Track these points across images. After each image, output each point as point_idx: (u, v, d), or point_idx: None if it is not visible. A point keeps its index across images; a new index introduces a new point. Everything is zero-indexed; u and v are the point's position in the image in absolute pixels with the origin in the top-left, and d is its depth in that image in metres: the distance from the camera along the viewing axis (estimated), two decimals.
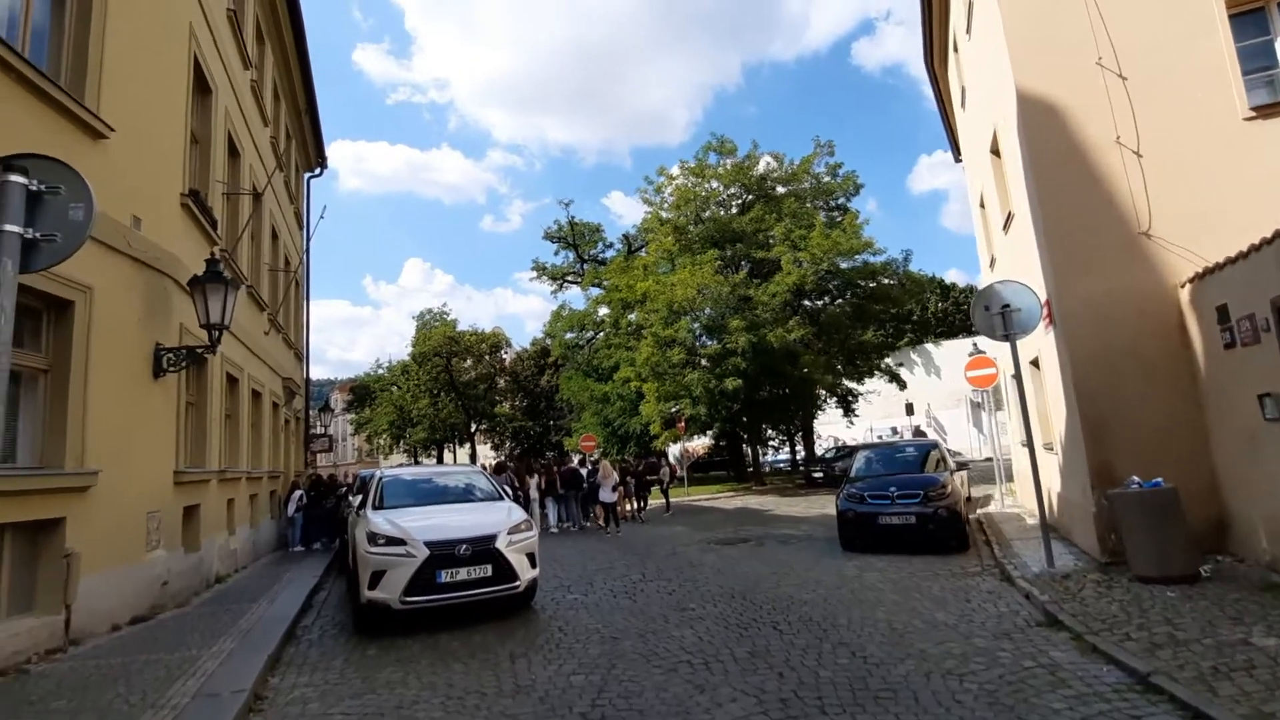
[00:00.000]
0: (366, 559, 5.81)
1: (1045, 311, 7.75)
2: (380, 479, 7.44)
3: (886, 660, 4.49)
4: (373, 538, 5.92)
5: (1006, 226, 10.16)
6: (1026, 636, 4.85)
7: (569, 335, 33.06)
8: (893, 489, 8.94)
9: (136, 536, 6.37)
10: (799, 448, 37.80)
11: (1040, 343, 8.52)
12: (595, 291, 31.53)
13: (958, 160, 19.44)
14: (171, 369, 6.94)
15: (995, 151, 10.44)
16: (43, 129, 5.38)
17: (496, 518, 6.43)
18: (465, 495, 7.49)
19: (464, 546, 5.82)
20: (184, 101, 7.89)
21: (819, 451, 30.31)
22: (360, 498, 7.54)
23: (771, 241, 21.82)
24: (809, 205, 23.12)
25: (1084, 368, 7.26)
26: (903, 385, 26.43)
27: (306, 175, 20.08)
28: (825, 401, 26.73)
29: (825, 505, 16.52)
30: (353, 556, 6.57)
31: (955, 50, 12.96)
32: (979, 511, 11.60)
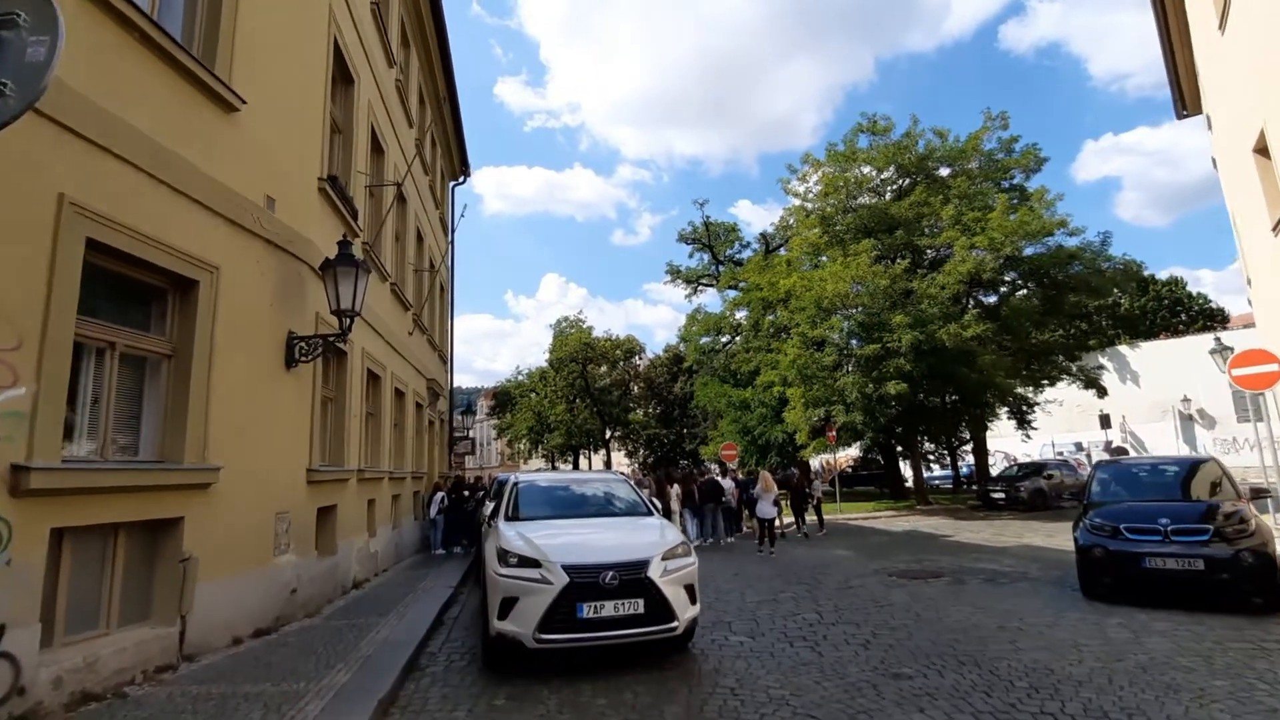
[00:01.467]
0: (496, 582, 4.82)
1: None
2: (515, 484, 6.52)
3: None
4: (503, 556, 4.92)
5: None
6: None
7: (704, 340, 31.79)
8: (1164, 521, 6.66)
9: (263, 540, 5.88)
10: (963, 463, 33.74)
11: None
12: (732, 294, 30.05)
13: (1181, 116, 15.94)
14: (305, 359, 6.47)
15: (1263, 151, 8.00)
16: (170, 95, 4.96)
17: (647, 539, 5.22)
18: (608, 507, 6.37)
19: (610, 574, 4.65)
20: (323, 84, 7.56)
21: (992, 468, 26.56)
22: (493, 505, 6.65)
23: (939, 227, 19.14)
24: (982, 185, 20.08)
25: None
26: (1103, 393, 22.33)
27: (451, 183, 20.50)
28: (997, 411, 23.25)
29: (1022, 534, 13.85)
30: (483, 572, 5.65)
31: None
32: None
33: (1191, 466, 8.22)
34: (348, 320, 6.47)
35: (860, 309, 18.36)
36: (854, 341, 19.14)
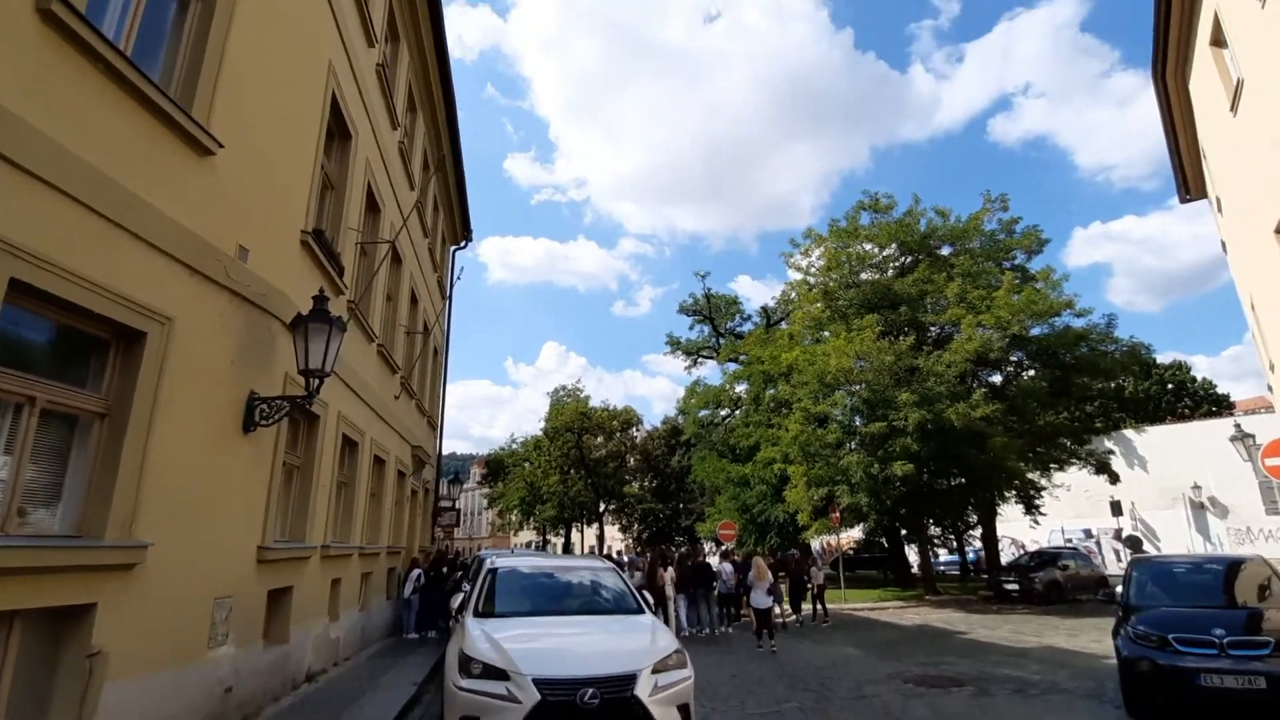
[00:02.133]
0: (454, 696, 4.08)
1: None
2: (489, 571, 5.80)
3: None
4: (466, 664, 4.20)
5: None
6: None
7: (703, 413, 31.19)
8: (1218, 631, 5.91)
9: (196, 630, 5.12)
10: (970, 549, 32.42)
11: None
12: (732, 367, 29.70)
13: (1184, 200, 15.99)
14: (265, 422, 5.88)
15: None
16: (135, 132, 4.60)
17: (637, 643, 4.50)
18: (593, 601, 5.64)
19: (589, 691, 3.92)
20: (315, 137, 7.32)
21: (1003, 556, 25.40)
22: (463, 595, 5.90)
23: (943, 304, 18.92)
24: (985, 265, 20.02)
25: None
26: (1115, 478, 21.53)
27: (452, 248, 20.45)
28: (1005, 495, 22.35)
29: (1042, 632, 12.83)
30: (443, 680, 4.87)
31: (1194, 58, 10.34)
32: None
33: (1236, 565, 7.50)
34: (316, 381, 5.92)
35: (864, 385, 17.87)
36: (858, 419, 18.56)
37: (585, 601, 5.55)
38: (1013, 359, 18.74)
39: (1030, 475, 19.65)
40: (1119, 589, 8.67)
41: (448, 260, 19.92)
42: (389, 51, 11.52)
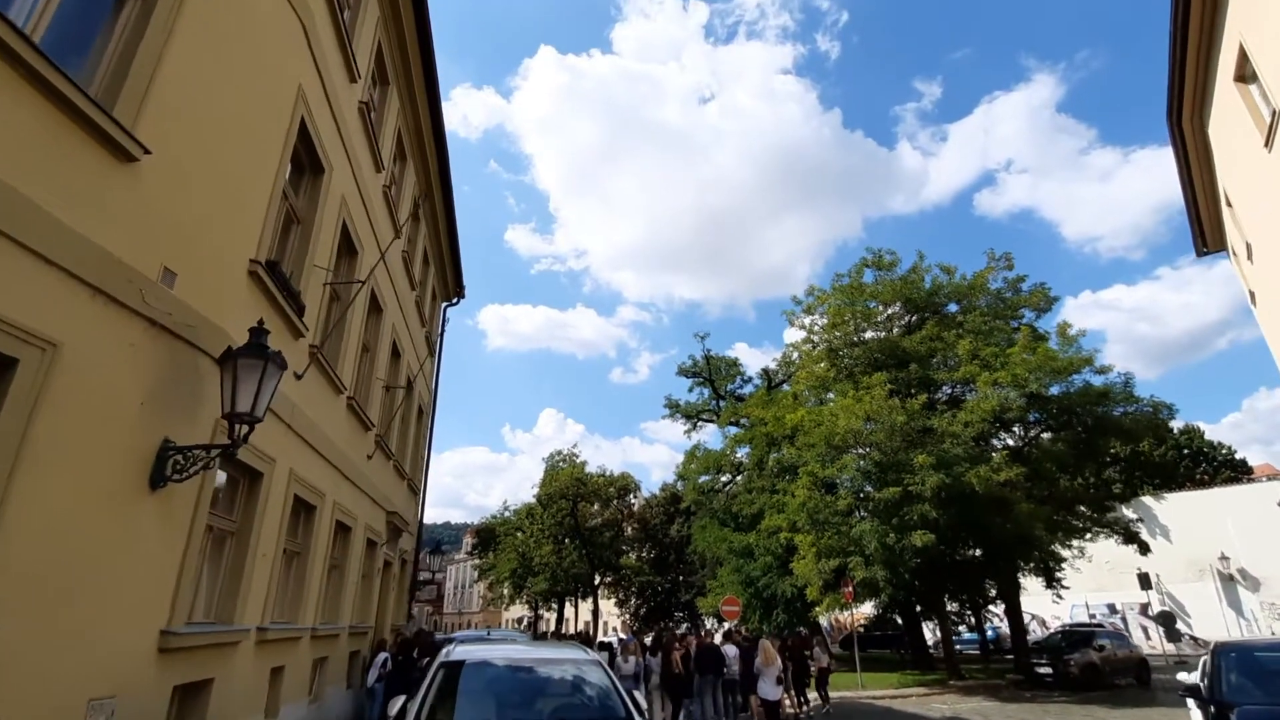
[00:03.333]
0: None
1: None
2: (441, 665, 4.67)
3: None
4: None
5: None
6: None
7: (703, 478, 29.87)
8: None
9: None
10: (992, 626, 30.38)
11: None
12: (733, 431, 28.61)
13: (1201, 254, 15.41)
14: (179, 476, 4.88)
15: None
16: (34, 128, 3.87)
17: None
18: (571, 704, 4.48)
19: None
20: (276, 161, 6.63)
21: (1027, 634, 23.55)
22: (403, 701, 4.73)
23: (954, 362, 18.10)
24: (996, 322, 19.32)
25: None
26: (1145, 549, 20.11)
27: (443, 304, 19.82)
28: (1026, 568, 20.86)
29: None
30: None
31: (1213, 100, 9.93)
32: None
33: None
34: (244, 428, 4.97)
35: (874, 447, 16.79)
36: (869, 485, 17.38)
37: (562, 705, 4.41)
38: (1031, 419, 17.72)
39: (1056, 546, 18.29)
40: (1192, 678, 7.45)
41: (438, 316, 19.24)
42: (376, 94, 11.13)
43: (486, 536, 42.23)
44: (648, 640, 16.66)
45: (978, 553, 17.77)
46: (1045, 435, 17.74)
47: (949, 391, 19.62)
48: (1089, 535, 19.68)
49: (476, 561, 46.33)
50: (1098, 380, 17.32)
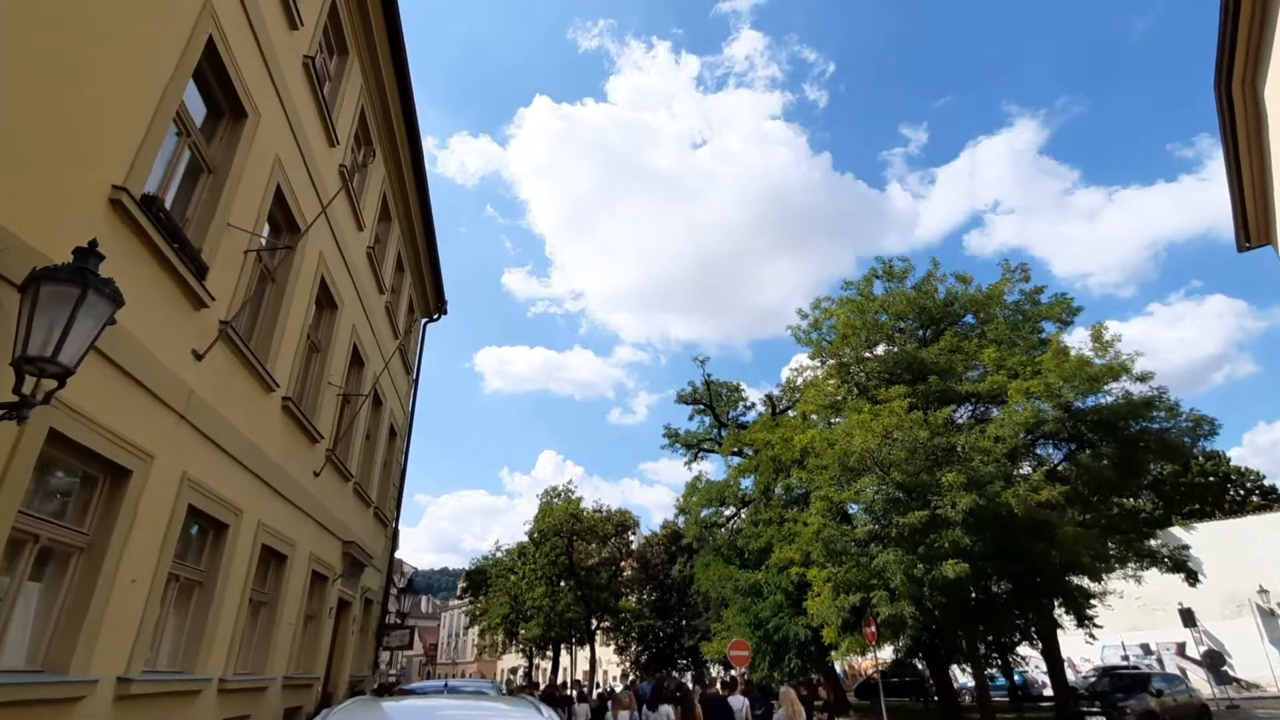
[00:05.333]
0: None
1: None
2: None
3: None
4: None
5: None
6: None
7: (706, 511, 27.96)
8: None
9: None
10: (1027, 669, 28.07)
11: None
12: (737, 461, 26.87)
13: (1243, 248, 14.07)
14: None
15: None
16: None
17: None
18: None
19: None
20: (164, 79, 5.24)
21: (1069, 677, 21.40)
22: None
23: (978, 372, 16.60)
24: (1020, 332, 17.87)
25: None
26: (1193, 579, 18.24)
27: (423, 320, 18.42)
28: (1058, 605, 18.92)
29: None
30: None
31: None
32: None
33: None
34: (54, 383, 3.45)
35: (895, 466, 15.13)
36: (890, 509, 15.65)
37: None
38: (1066, 432, 16.09)
39: (1101, 573, 16.44)
40: None
41: (416, 332, 17.81)
42: (334, 61, 9.93)
43: (478, 579, 39.87)
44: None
45: (1007, 586, 15.91)
46: (1086, 452, 16.08)
47: (971, 409, 18.05)
48: (1134, 565, 17.85)
49: (466, 606, 43.79)
50: (1137, 390, 15.77)
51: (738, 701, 12.12)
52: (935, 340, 18.49)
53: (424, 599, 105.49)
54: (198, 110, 6.18)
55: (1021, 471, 15.27)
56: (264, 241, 7.09)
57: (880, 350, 19.07)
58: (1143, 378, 15.46)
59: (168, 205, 5.56)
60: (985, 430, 14.89)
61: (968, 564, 13.51)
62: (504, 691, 9.32)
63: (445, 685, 9.64)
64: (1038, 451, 17.87)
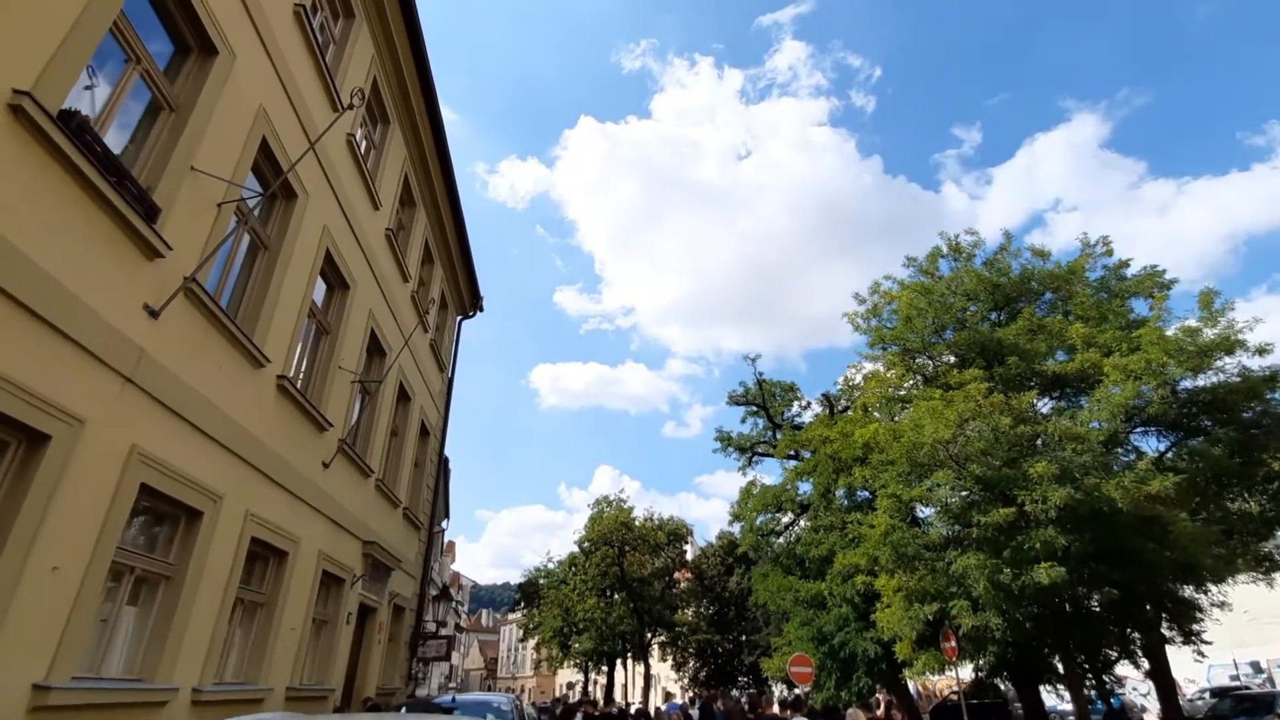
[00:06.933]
0: None
1: None
2: None
3: None
4: None
5: None
6: None
7: (761, 518, 26.37)
8: None
9: None
10: (1124, 691, 25.23)
11: None
12: (793, 464, 25.23)
13: None
14: None
15: None
16: None
17: None
18: None
19: None
20: None
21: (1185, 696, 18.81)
22: None
23: (1064, 350, 14.70)
24: (1112, 303, 15.85)
25: None
26: None
27: (458, 317, 17.81)
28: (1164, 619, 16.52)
29: None
30: None
31: None
32: None
33: None
34: None
35: (972, 458, 13.40)
36: (968, 508, 13.89)
37: None
38: (1173, 415, 13.93)
39: (1227, 575, 14.17)
40: None
41: (450, 328, 17.19)
42: (333, 21, 9.30)
43: (530, 591, 39.13)
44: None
45: (1112, 592, 13.83)
46: (1200, 439, 13.90)
47: (1055, 396, 16.07)
48: (1256, 571, 15.43)
49: (518, 617, 43.14)
50: (1255, 365, 13.52)
51: None
52: (1011, 321, 16.64)
53: (485, 613, 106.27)
54: (156, 42, 5.48)
55: (1122, 461, 13.31)
56: (245, 197, 6.34)
57: (949, 335, 17.31)
58: (1261, 350, 13.23)
59: (108, 135, 4.83)
60: (1077, 416, 13.03)
61: (1064, 568, 11.71)
62: (517, 708, 8.28)
63: (451, 700, 8.65)
64: (1133, 441, 15.71)
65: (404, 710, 8.22)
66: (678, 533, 35.57)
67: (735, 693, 32.67)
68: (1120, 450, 14.82)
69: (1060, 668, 19.73)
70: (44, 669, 4.19)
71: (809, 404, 28.97)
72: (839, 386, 28.67)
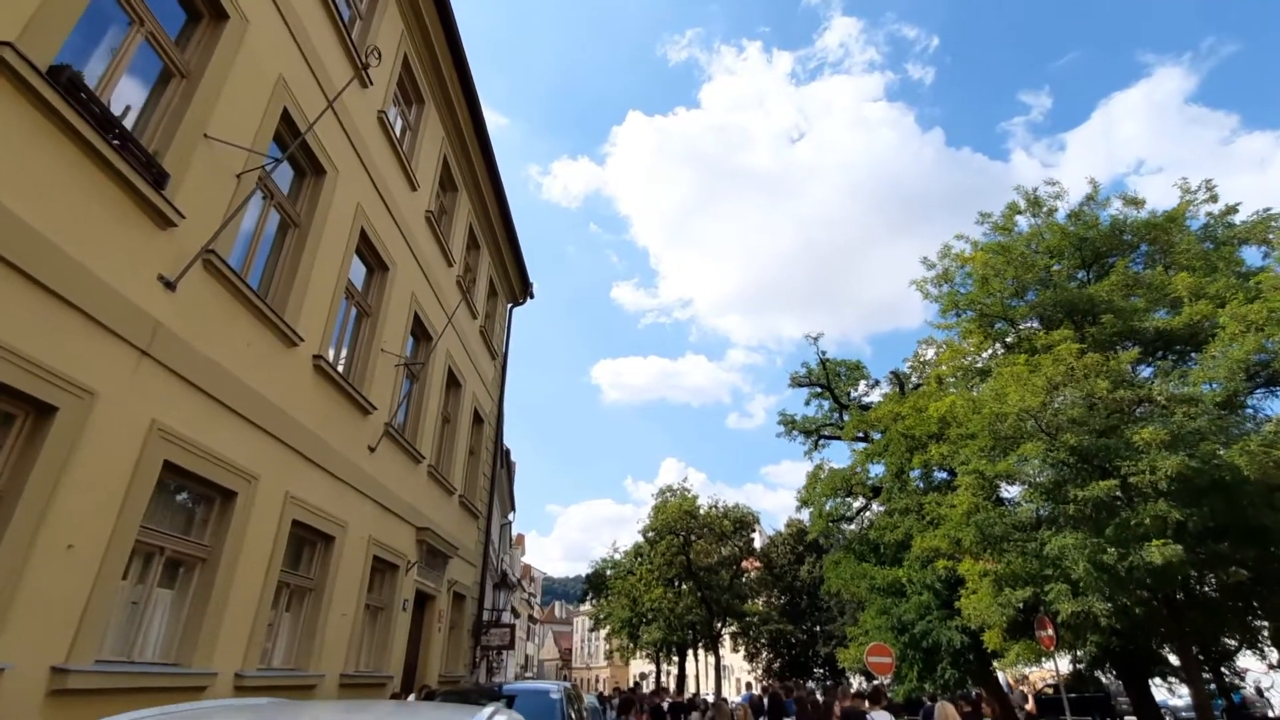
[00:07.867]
0: None
1: None
2: None
3: None
4: None
5: None
6: None
7: (830, 503, 25.24)
8: None
9: None
10: (1245, 686, 22.93)
11: None
12: (861, 447, 24.03)
13: None
14: None
15: None
16: None
17: None
18: None
19: None
20: None
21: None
22: None
23: (1168, 306, 13.17)
24: (1226, 251, 14.12)
25: None
26: None
27: (509, 305, 17.65)
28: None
29: None
30: None
31: None
32: None
33: None
34: None
35: (1065, 428, 12.15)
36: (1063, 482, 12.63)
37: None
38: None
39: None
40: None
41: (501, 315, 17.04)
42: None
43: (596, 583, 39.19)
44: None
45: (1243, 573, 12.29)
46: None
47: (1157, 357, 14.48)
48: None
49: (587, 608, 43.32)
50: None
51: (881, 717, 9.95)
52: (1103, 277, 15.09)
53: (558, 604, 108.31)
54: (164, 5, 5.27)
55: (1245, 425, 11.77)
56: (265, 164, 6.12)
57: (1030, 297, 15.88)
58: None
59: (111, 99, 4.62)
60: (1188, 375, 11.60)
61: (1179, 546, 10.42)
62: (567, 695, 7.86)
63: (498, 688, 8.35)
64: (1252, 405, 13.96)
65: (462, 695, 7.97)
66: (744, 520, 34.74)
67: (811, 684, 31.68)
68: (1238, 415, 13.20)
69: (1173, 659, 18.03)
70: (64, 651, 4.00)
71: (876, 383, 27.64)
72: (908, 365, 27.18)
